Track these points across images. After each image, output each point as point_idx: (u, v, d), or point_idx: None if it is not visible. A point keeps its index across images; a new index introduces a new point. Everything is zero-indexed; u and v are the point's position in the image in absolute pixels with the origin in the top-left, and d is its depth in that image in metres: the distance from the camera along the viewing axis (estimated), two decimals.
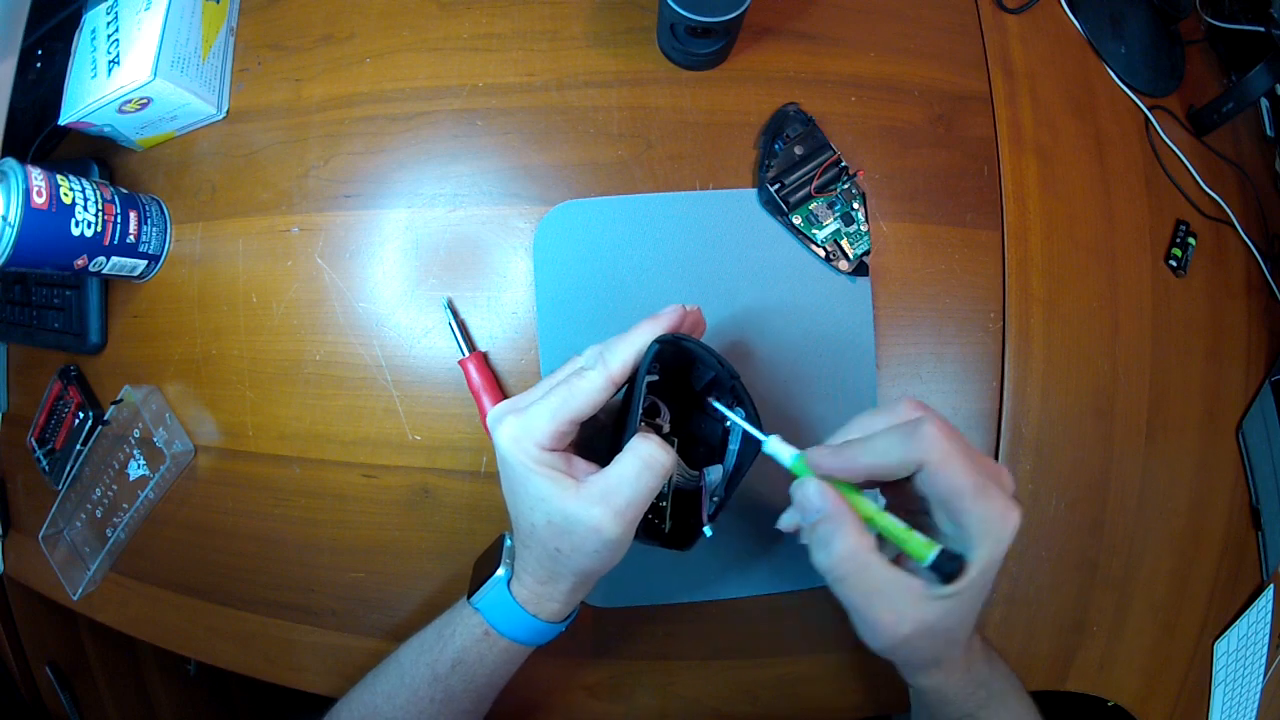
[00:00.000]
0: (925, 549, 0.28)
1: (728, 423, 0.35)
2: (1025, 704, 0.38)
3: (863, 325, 0.45)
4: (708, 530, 0.34)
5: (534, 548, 0.34)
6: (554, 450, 0.32)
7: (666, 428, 0.38)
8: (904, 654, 0.33)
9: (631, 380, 0.32)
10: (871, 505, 0.30)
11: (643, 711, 0.47)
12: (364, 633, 0.48)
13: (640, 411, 0.33)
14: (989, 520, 0.28)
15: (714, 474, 0.35)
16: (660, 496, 0.32)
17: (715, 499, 0.35)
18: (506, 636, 0.37)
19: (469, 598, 0.38)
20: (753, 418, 0.34)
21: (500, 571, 0.36)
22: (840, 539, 0.29)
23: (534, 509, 0.32)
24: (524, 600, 0.36)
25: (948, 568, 0.28)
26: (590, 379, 0.31)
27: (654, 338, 0.32)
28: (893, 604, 0.29)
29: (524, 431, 0.32)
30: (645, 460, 0.31)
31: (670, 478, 0.32)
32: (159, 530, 0.52)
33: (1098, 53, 0.53)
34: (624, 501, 0.31)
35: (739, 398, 0.34)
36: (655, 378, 0.35)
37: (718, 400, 0.35)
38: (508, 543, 0.38)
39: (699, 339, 0.35)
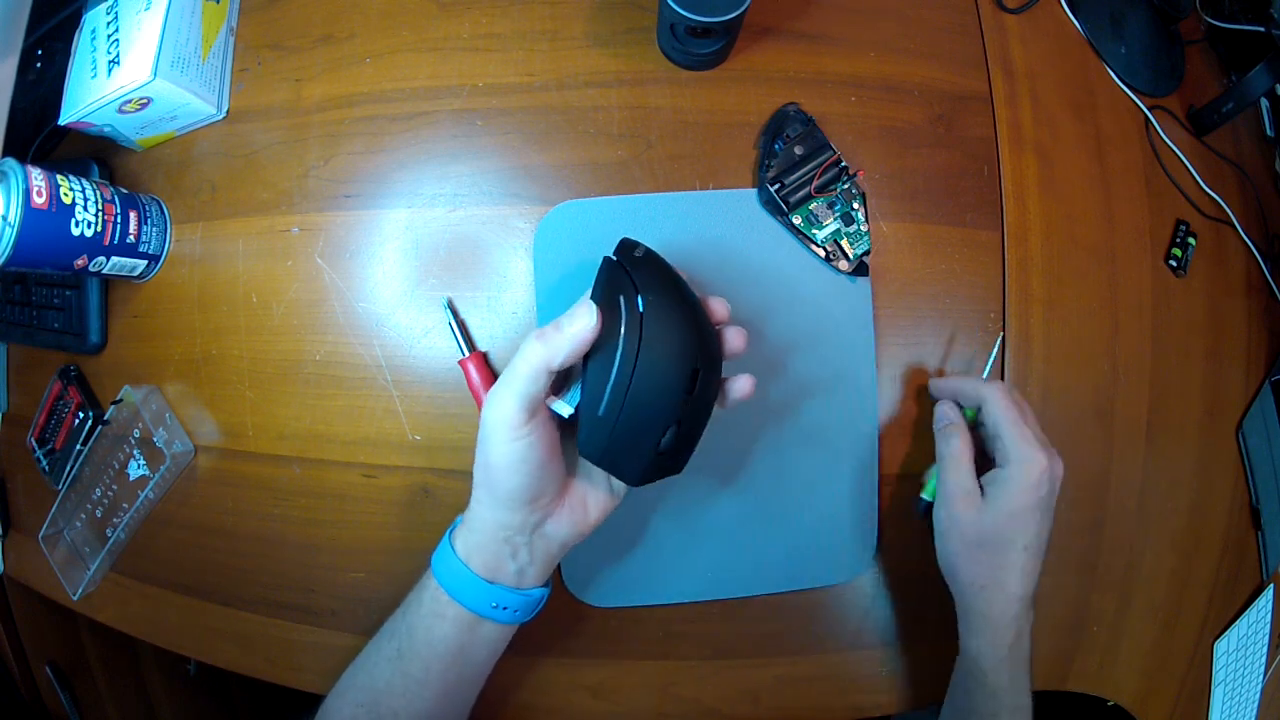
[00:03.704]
0: (927, 491, 0.44)
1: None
2: None
3: (863, 325, 0.45)
4: (553, 403, 0.34)
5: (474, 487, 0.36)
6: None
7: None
8: (951, 547, 0.41)
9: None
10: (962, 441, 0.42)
11: (643, 712, 0.47)
12: (364, 633, 0.48)
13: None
14: (1019, 444, 0.39)
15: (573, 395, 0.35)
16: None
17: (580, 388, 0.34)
18: (452, 595, 0.36)
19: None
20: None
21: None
22: (954, 439, 0.42)
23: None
24: (465, 554, 0.36)
25: (919, 506, 0.44)
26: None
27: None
28: (959, 486, 0.41)
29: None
30: (528, 340, 0.32)
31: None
32: (159, 530, 0.52)
33: (1098, 53, 0.53)
34: (503, 378, 0.33)
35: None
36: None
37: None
38: None
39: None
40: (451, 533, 0.38)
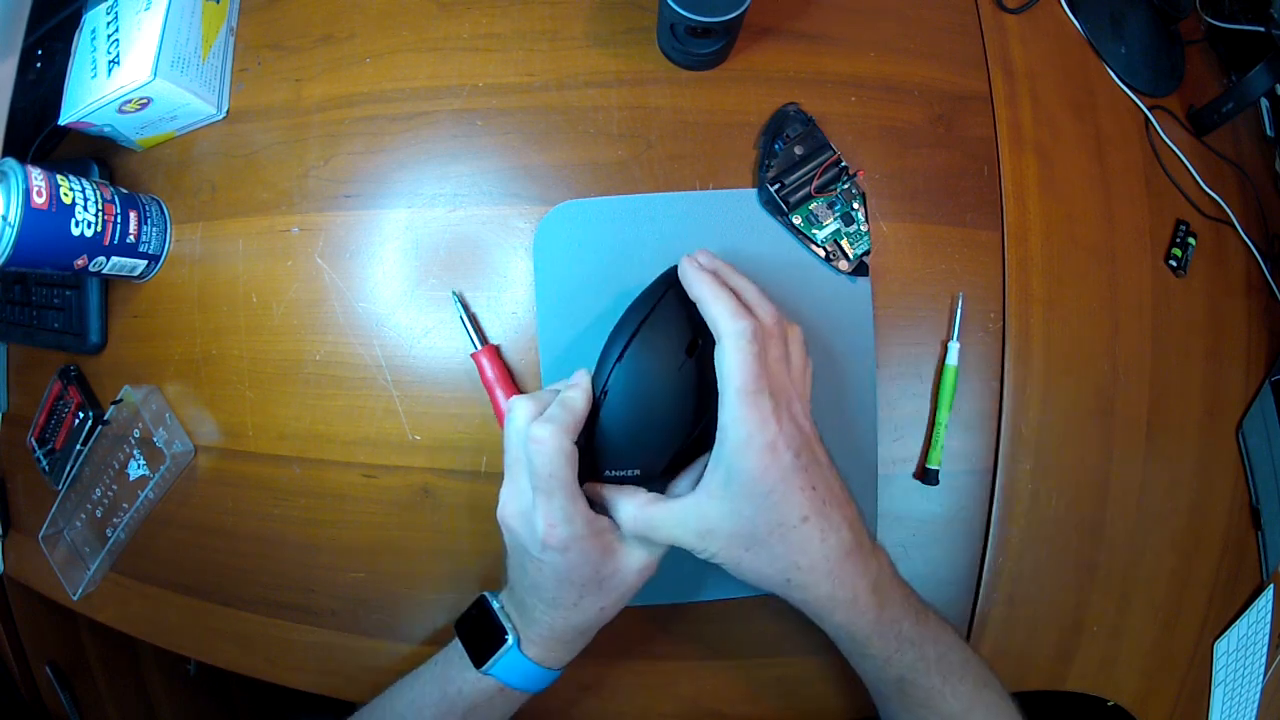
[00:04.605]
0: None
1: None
2: (989, 690, 0.38)
3: (863, 325, 0.45)
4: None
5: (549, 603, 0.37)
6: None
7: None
8: (706, 549, 0.34)
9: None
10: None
11: (643, 711, 0.47)
12: (364, 633, 0.48)
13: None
14: (737, 420, 0.31)
15: None
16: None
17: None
18: (524, 689, 0.39)
19: (477, 667, 0.38)
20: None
21: (509, 639, 0.38)
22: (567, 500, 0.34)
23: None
24: (539, 659, 0.38)
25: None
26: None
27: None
28: (624, 505, 0.35)
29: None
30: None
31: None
32: (159, 530, 0.52)
33: (1098, 53, 0.53)
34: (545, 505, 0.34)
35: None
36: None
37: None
38: (494, 604, 0.39)
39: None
40: (517, 645, 0.38)
